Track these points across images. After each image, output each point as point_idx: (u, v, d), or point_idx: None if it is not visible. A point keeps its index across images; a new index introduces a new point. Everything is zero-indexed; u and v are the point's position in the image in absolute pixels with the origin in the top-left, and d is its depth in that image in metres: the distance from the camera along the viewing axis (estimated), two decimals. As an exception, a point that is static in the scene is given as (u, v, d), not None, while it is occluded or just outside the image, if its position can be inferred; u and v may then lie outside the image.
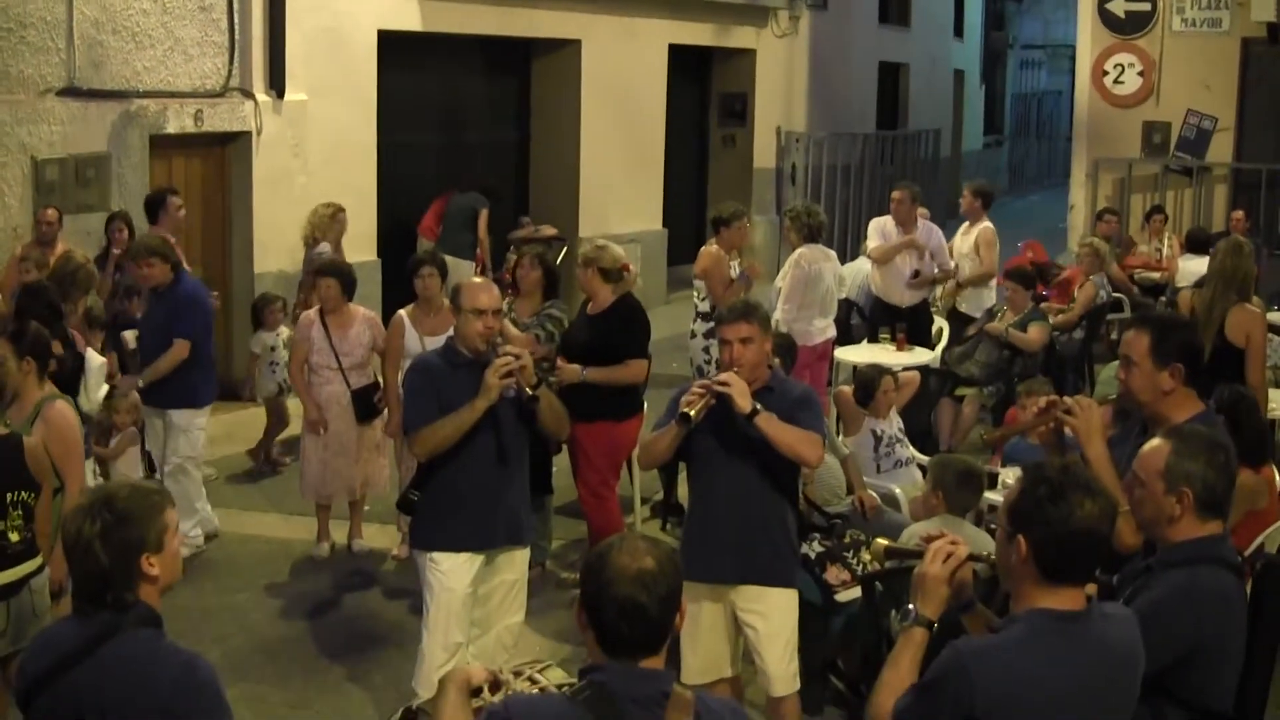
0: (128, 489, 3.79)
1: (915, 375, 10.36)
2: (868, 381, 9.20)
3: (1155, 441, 4.15)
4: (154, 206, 11.08)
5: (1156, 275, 14.88)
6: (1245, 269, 8.33)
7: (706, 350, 10.10)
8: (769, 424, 5.72)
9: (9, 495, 5.64)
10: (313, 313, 9.24)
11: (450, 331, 8.41)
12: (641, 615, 3.22)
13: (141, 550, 3.69)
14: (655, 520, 9.88)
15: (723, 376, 5.80)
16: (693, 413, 5.75)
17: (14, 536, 5.67)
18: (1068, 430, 4.98)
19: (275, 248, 13.24)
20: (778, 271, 11.57)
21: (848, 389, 9.28)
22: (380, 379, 9.25)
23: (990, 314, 11.74)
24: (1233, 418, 7.91)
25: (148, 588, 3.72)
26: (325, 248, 12.36)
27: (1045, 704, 3.40)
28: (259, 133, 12.99)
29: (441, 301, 8.94)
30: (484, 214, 14.57)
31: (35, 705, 3.73)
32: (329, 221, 12.58)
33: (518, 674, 3.73)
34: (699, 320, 10.43)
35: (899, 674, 3.61)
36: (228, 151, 13.08)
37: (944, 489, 7.02)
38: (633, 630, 3.23)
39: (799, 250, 10.91)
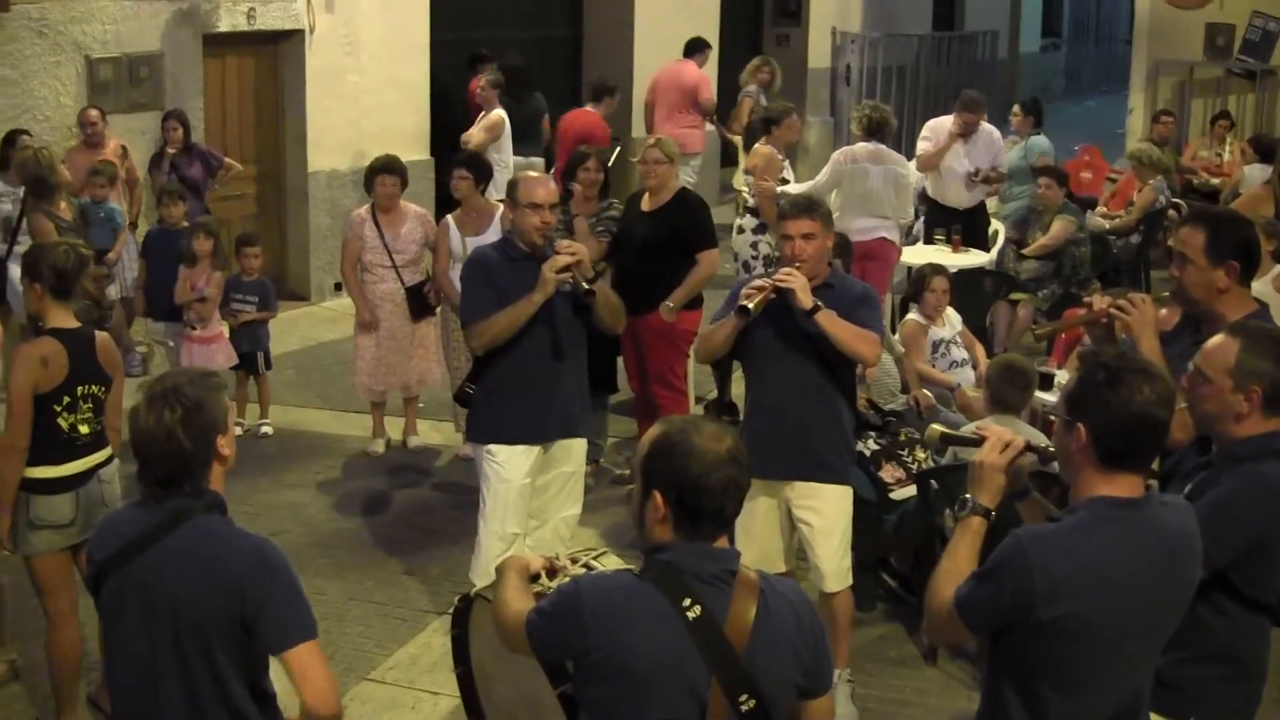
0: (186, 376, 3.84)
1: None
2: (919, 278, 9.16)
3: (1220, 338, 4.08)
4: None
5: (1215, 181, 14.69)
6: None
7: (754, 246, 10.01)
8: (828, 321, 5.69)
9: (80, 389, 5.70)
10: (364, 211, 9.23)
11: (491, 229, 8.55)
12: (739, 492, 3.30)
13: (217, 431, 3.77)
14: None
15: (784, 272, 5.76)
16: (752, 305, 5.72)
17: (84, 429, 5.76)
18: (1119, 329, 4.93)
19: (327, 145, 13.24)
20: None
21: (913, 320, 9.03)
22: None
23: (1028, 216, 11.70)
24: None
25: (218, 469, 3.80)
26: (753, 89, 14.78)
27: (1104, 589, 3.38)
28: (311, 30, 12.92)
29: (478, 201, 8.93)
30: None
31: (104, 590, 3.77)
32: (755, 70, 15.09)
33: (574, 560, 3.75)
34: (747, 215, 10.34)
35: (957, 563, 3.60)
36: (280, 49, 13.04)
37: (989, 385, 7.05)
38: (734, 507, 3.30)
39: (847, 146, 10.83)
